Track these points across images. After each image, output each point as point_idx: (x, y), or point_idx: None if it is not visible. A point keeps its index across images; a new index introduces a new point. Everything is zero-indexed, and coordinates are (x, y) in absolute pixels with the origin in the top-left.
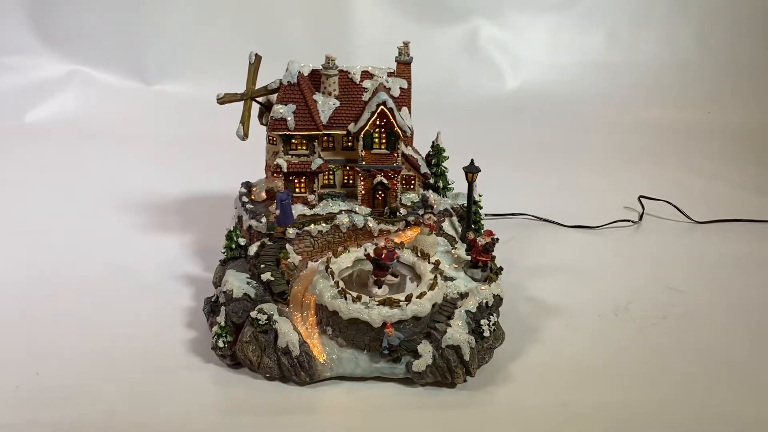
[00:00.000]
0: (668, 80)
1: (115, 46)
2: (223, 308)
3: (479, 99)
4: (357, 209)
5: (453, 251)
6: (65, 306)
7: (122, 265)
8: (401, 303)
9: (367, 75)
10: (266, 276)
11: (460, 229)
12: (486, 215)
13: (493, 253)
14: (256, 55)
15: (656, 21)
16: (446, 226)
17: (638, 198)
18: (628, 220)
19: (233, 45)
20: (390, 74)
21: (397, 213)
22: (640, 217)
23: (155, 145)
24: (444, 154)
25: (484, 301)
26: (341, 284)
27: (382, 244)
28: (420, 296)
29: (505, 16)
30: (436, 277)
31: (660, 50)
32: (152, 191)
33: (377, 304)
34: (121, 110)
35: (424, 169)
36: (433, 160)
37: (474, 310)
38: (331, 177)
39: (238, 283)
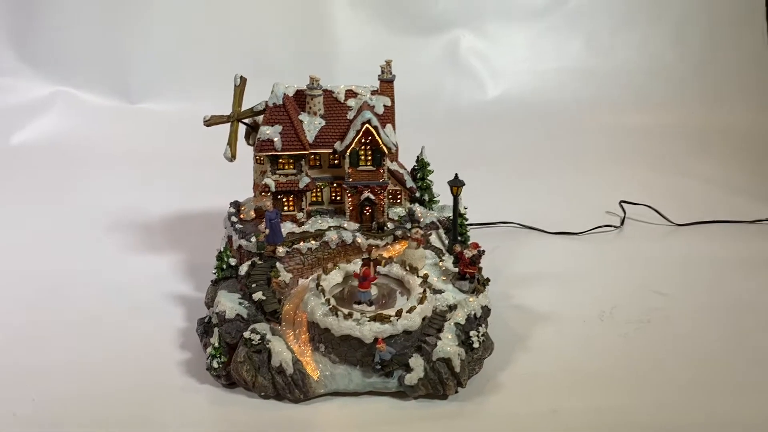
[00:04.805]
0: (646, 84)
1: (98, 66)
2: (216, 329)
3: (462, 108)
4: (345, 225)
5: (441, 263)
6: (57, 329)
7: (113, 287)
8: (392, 318)
9: (351, 94)
10: (257, 295)
11: (447, 242)
12: (471, 225)
13: (480, 265)
14: (241, 77)
15: (634, 26)
16: (433, 238)
17: (619, 203)
18: (610, 226)
19: (217, 61)
20: (373, 92)
21: (385, 228)
22: (622, 222)
23: (142, 164)
24: (429, 168)
25: (473, 312)
26: (332, 301)
27: (359, 271)
28: (410, 311)
29: (485, 25)
30: (425, 290)
31: (637, 55)
32: (141, 211)
33: (368, 320)
34: (106, 130)
35: (410, 183)
36: (419, 174)
37: (463, 322)
38: (319, 194)
39: (230, 303)
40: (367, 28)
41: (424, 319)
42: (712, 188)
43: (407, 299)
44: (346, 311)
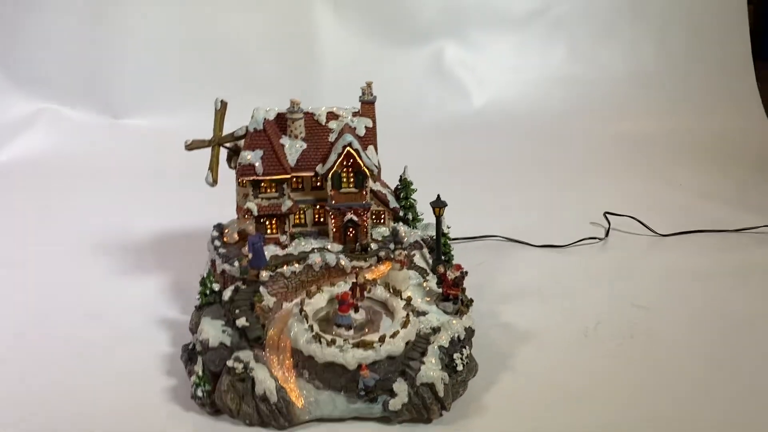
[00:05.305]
0: (630, 91)
1: (81, 81)
2: (200, 357)
3: (446, 119)
4: (329, 247)
5: (425, 284)
6: (39, 354)
7: (97, 310)
8: (375, 344)
9: (332, 116)
10: (241, 322)
11: (431, 261)
12: (455, 239)
13: (464, 285)
14: (222, 101)
15: (617, 33)
16: (417, 258)
17: (604, 214)
18: (595, 238)
19: (202, 75)
20: (355, 114)
21: (369, 249)
22: (607, 233)
23: (127, 181)
24: (412, 187)
25: (456, 335)
26: (315, 327)
27: (341, 293)
28: (393, 336)
29: (469, 36)
30: (408, 314)
31: (621, 62)
32: (125, 231)
33: (351, 347)
34: (91, 146)
35: (393, 203)
36: (402, 194)
37: (447, 345)
38: (302, 216)
39: (213, 331)
40: (351, 40)
41: (407, 343)
42: (695, 197)
43: (392, 322)
44: (329, 338)
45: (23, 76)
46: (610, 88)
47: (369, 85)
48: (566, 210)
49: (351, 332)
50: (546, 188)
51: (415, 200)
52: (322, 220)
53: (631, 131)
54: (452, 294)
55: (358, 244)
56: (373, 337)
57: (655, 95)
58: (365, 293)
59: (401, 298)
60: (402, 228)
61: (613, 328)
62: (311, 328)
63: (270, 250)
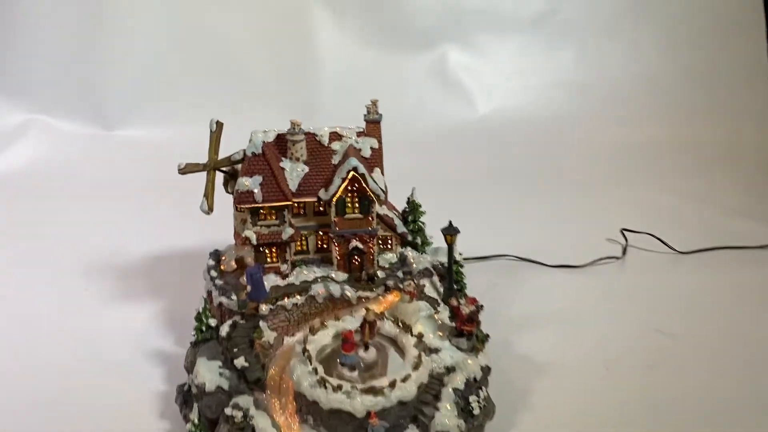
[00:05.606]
0: (641, 97)
1: (72, 91)
2: (195, 403)
3: (449, 127)
4: (333, 275)
5: (436, 315)
6: (23, 389)
7: (86, 342)
8: (385, 390)
9: (335, 136)
10: (240, 362)
11: (441, 289)
12: (466, 259)
13: (479, 319)
14: (218, 122)
15: (626, 36)
16: (427, 287)
17: (621, 231)
18: (613, 257)
19: (198, 83)
20: (359, 134)
21: (375, 278)
22: (624, 251)
23: (119, 196)
24: (420, 210)
25: (472, 376)
26: (320, 370)
27: (346, 331)
28: (404, 380)
29: (473, 40)
30: (420, 354)
31: (631, 66)
32: (118, 252)
33: (360, 393)
34: (82, 159)
35: (401, 228)
36: (410, 217)
37: (462, 388)
38: (304, 243)
39: (209, 375)
40: (350, 46)
41: (420, 386)
42: (714, 210)
43: (401, 359)
44: (335, 383)
45: (9, 84)
46: (620, 93)
47: (374, 103)
48: (579, 225)
49: (355, 373)
50: (556, 201)
51: (423, 223)
52: (325, 246)
53: (644, 139)
54: (467, 330)
55: (364, 272)
56: (383, 381)
57: (668, 101)
58: (375, 331)
59: (412, 334)
60: (410, 254)
61: (636, 358)
62: (315, 370)
63: (270, 280)
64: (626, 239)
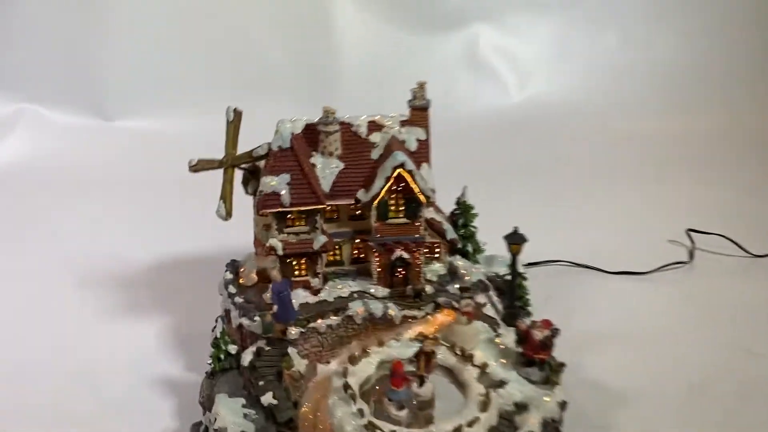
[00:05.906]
0: (694, 83)
1: (67, 79)
2: None
3: (481, 115)
4: (372, 290)
5: (497, 339)
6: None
7: (84, 368)
8: None
9: (374, 126)
10: (267, 399)
11: (499, 306)
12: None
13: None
14: (236, 110)
15: (676, 14)
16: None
17: (686, 231)
18: (680, 262)
19: (205, 69)
20: (403, 123)
21: (423, 294)
22: (691, 255)
23: (120, 192)
24: (473, 212)
25: (550, 416)
26: (366, 412)
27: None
28: (471, 424)
29: (506, 20)
30: (488, 392)
31: (682, 48)
32: (116, 257)
33: None
34: (78, 152)
35: (450, 234)
36: (460, 221)
37: (538, 431)
38: (337, 252)
39: (231, 417)
40: (373, 25)
41: (489, 431)
42: None
43: (462, 395)
44: (387, 429)
45: (1, 72)
46: (672, 79)
47: (421, 86)
48: (636, 225)
49: (404, 412)
50: (607, 198)
51: (475, 227)
52: (362, 256)
53: (702, 128)
54: (540, 359)
55: (410, 287)
56: (446, 426)
57: (728, 85)
58: (434, 364)
59: (473, 364)
60: (461, 264)
61: (724, 382)
62: (361, 412)
63: (299, 296)
64: (692, 241)
